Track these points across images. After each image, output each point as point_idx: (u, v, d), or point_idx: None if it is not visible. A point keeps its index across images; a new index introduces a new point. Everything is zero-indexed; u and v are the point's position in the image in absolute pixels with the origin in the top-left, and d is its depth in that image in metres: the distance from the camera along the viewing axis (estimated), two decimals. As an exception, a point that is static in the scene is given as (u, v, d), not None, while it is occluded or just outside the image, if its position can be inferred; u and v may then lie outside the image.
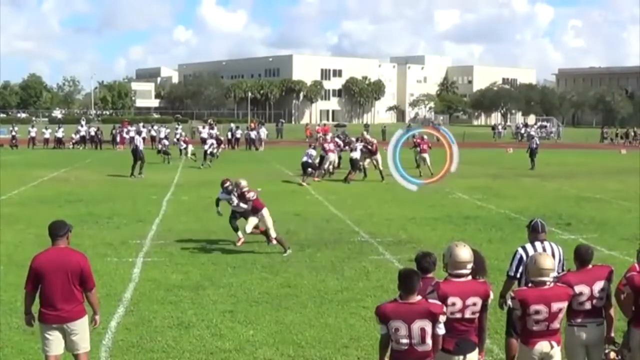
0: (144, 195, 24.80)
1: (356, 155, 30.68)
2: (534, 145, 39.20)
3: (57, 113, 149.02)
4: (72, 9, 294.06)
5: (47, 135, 57.30)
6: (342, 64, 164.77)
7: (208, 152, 39.33)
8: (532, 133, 54.52)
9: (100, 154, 48.37)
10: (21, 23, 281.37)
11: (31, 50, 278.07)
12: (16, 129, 58.22)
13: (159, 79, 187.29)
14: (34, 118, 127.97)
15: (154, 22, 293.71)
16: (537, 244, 7.96)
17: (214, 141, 41.90)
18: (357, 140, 32.79)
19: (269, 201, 22.99)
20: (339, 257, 14.86)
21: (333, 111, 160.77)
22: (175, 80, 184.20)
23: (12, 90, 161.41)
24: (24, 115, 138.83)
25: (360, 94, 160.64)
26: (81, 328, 7.49)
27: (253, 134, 56.57)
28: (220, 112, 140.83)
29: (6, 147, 53.89)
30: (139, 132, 37.30)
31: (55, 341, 7.40)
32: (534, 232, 8.07)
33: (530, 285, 6.92)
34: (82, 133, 56.24)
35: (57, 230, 7.39)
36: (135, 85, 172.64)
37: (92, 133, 56.62)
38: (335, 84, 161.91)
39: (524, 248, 7.99)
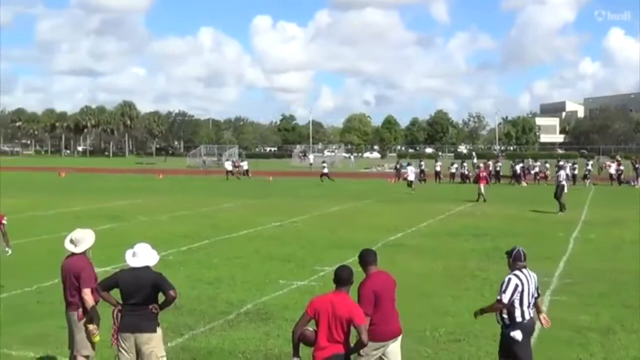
0: (550, 232, 24.43)
1: None
2: None
3: (462, 148, 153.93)
4: (476, 46, 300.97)
5: (452, 170, 59.51)
6: None
7: None
8: None
9: (504, 189, 48.74)
10: (429, 62, 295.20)
11: (438, 87, 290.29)
12: (423, 163, 60.87)
13: (563, 114, 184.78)
14: (439, 153, 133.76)
15: (559, 55, 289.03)
16: (524, 270, 8.31)
17: None
18: None
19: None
20: None
21: None
22: (580, 114, 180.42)
23: (419, 126, 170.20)
24: (430, 150, 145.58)
25: None
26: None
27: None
28: (628, 147, 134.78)
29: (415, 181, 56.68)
30: (562, 167, 36.83)
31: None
32: (517, 261, 8.34)
33: None
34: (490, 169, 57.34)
35: (372, 257, 8.09)
36: (539, 121, 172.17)
37: (497, 169, 57.68)
38: None
39: (516, 276, 8.24)
